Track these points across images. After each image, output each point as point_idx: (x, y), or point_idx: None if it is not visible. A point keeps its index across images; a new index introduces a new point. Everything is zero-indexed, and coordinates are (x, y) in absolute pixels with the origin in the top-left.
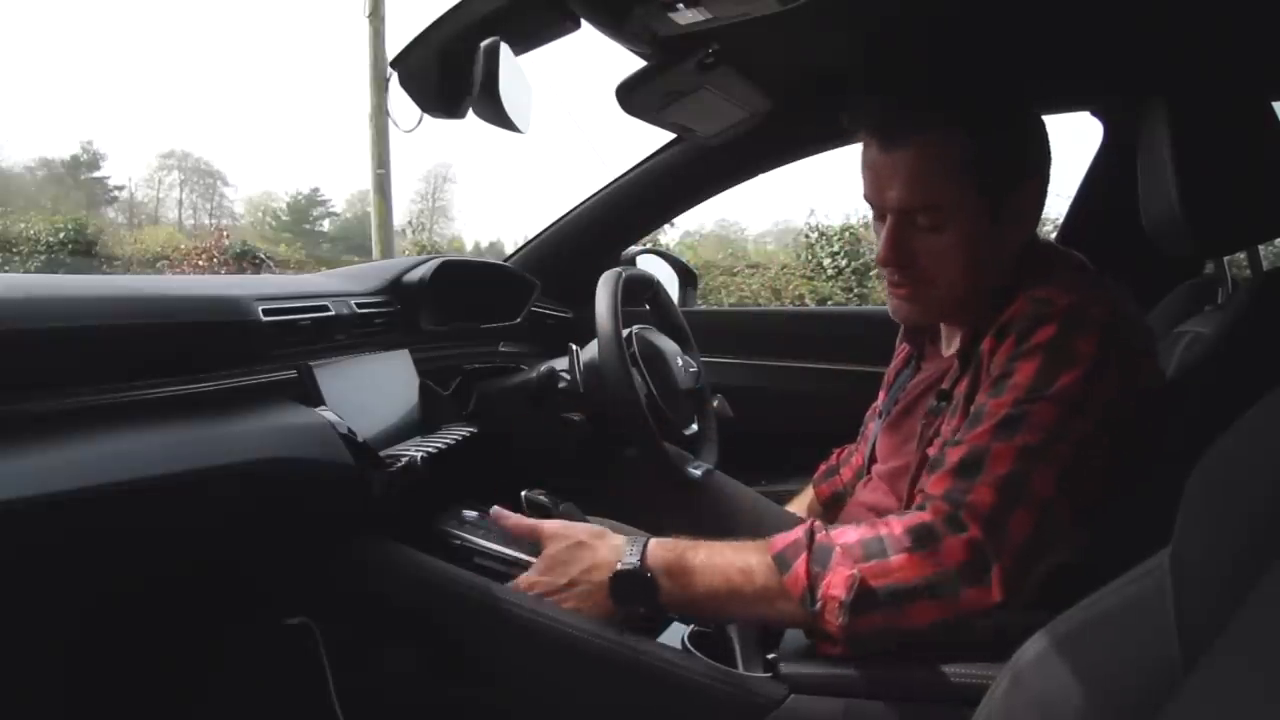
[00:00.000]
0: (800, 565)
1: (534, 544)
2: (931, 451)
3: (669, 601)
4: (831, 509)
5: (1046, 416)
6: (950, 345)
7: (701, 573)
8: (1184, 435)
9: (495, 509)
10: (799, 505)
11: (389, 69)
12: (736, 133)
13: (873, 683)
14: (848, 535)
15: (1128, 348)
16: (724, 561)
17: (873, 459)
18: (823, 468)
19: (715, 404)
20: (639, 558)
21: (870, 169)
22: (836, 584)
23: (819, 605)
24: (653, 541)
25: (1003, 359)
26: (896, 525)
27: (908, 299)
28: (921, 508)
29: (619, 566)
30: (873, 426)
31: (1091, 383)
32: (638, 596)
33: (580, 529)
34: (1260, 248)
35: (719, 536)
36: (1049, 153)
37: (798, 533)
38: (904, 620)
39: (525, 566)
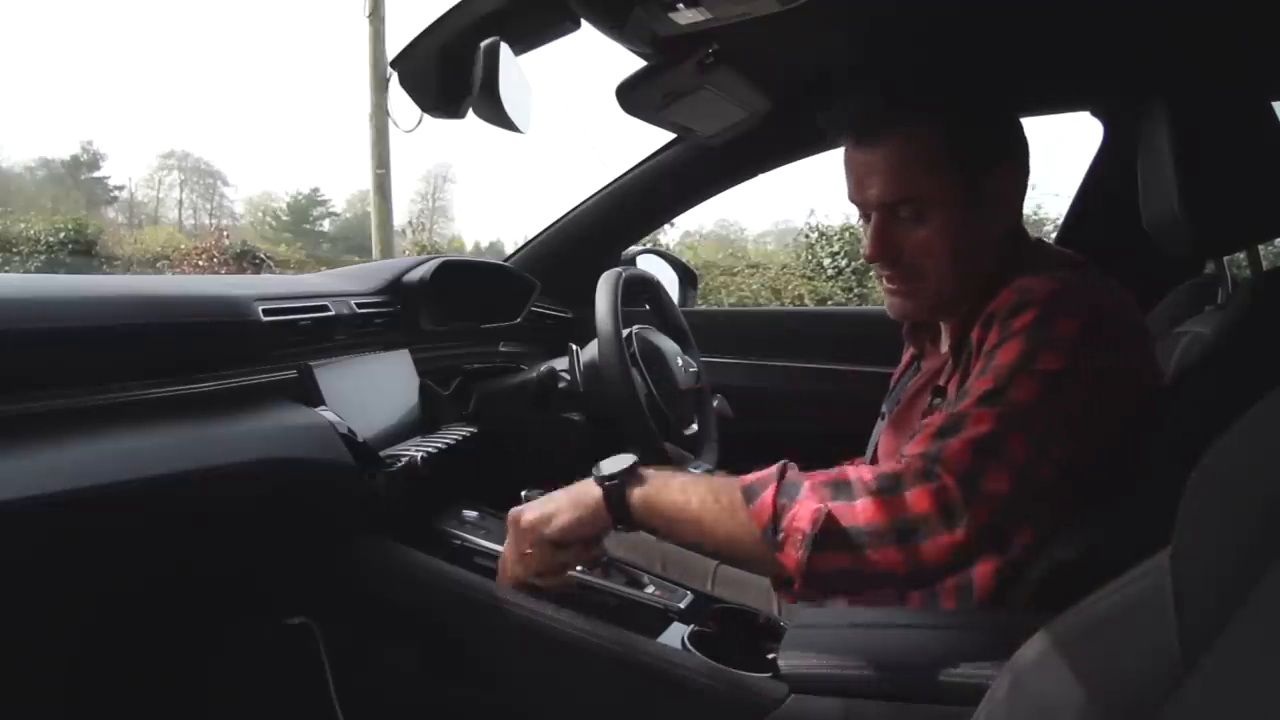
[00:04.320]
0: (768, 495)
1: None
2: None
3: (638, 508)
4: None
5: (1028, 391)
6: (947, 342)
7: (673, 489)
8: (1184, 435)
9: None
10: None
11: (389, 69)
12: (736, 133)
13: (873, 683)
14: (818, 475)
15: (1112, 337)
16: (695, 486)
17: (873, 461)
18: None
19: (715, 404)
20: (625, 466)
21: (850, 169)
22: (802, 517)
23: (781, 537)
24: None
25: (989, 345)
26: (867, 471)
27: (902, 295)
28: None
29: (604, 469)
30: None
31: (1074, 367)
32: (616, 480)
33: None
34: (1260, 248)
35: None
36: (1023, 136)
37: (770, 469)
38: (865, 564)
39: None
